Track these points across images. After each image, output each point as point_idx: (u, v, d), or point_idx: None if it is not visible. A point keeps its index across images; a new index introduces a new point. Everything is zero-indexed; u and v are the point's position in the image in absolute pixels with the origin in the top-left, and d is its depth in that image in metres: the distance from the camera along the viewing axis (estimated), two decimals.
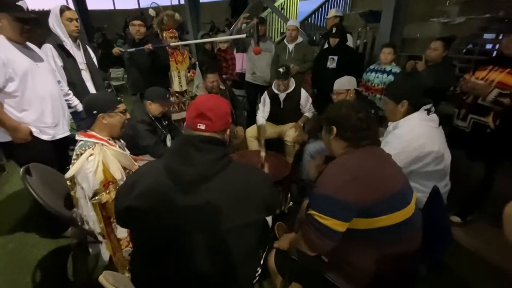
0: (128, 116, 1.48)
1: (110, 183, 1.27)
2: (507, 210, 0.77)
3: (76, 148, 1.29)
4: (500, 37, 3.15)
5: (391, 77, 2.56)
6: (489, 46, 3.79)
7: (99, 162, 1.24)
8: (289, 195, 2.08)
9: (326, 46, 3.10)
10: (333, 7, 5.99)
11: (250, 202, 0.86)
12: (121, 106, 1.43)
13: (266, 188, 0.93)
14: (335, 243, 0.93)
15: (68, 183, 1.30)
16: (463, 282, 1.64)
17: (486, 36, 3.74)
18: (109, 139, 1.39)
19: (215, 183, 0.83)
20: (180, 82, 2.91)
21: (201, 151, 0.85)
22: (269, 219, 1.67)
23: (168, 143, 2.29)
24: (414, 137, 1.38)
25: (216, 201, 0.82)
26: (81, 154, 1.24)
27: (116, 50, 2.75)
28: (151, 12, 2.76)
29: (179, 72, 2.89)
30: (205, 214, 0.81)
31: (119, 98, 1.46)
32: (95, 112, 1.34)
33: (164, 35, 2.78)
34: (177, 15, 2.76)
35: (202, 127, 0.87)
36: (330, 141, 1.11)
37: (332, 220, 0.90)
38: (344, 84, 2.29)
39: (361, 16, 4.65)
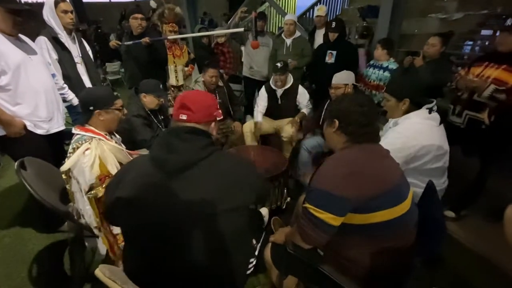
0: (125, 112, 1.47)
1: (106, 177, 1.26)
2: (509, 212, 0.77)
3: (72, 142, 1.27)
4: (498, 34, 3.16)
5: (387, 74, 2.55)
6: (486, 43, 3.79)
7: (95, 156, 1.23)
8: (285, 190, 2.09)
9: (320, 43, 3.10)
10: (332, 2, 5.94)
11: (235, 186, 0.88)
12: (118, 102, 1.40)
13: (251, 173, 0.96)
14: (329, 237, 0.94)
15: (64, 176, 1.29)
16: (457, 275, 1.67)
17: (484, 32, 3.74)
18: (106, 134, 1.37)
19: (199, 169, 0.85)
20: (176, 77, 2.89)
21: (184, 140, 0.87)
22: (265, 213, 1.68)
23: None
24: (413, 135, 1.38)
25: (201, 187, 0.84)
26: (77, 148, 1.23)
27: (113, 43, 2.72)
28: (152, 4, 2.74)
29: (176, 66, 2.86)
30: (191, 200, 0.82)
31: (116, 94, 1.44)
32: (91, 108, 1.31)
33: (164, 28, 2.76)
34: (178, 9, 2.74)
35: (184, 117, 0.92)
36: (331, 134, 1.10)
37: (326, 214, 0.90)
38: (343, 78, 2.28)
39: (359, 11, 4.63)
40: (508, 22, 1.74)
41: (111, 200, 0.89)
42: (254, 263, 1.13)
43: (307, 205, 0.96)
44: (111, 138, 1.42)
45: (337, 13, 6.13)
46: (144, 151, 1.97)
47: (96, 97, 1.35)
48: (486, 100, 1.74)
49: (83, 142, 1.25)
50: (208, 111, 0.95)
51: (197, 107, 0.92)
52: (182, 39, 3.01)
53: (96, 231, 1.33)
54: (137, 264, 0.92)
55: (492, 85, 1.71)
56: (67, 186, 1.31)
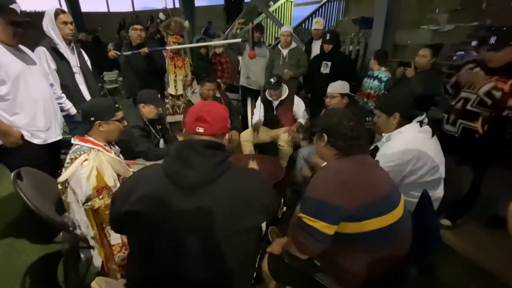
0: (125, 123, 1.47)
1: (104, 188, 1.25)
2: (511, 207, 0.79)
3: (70, 152, 1.27)
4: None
5: (376, 82, 2.62)
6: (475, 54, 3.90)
7: (93, 167, 1.22)
8: (282, 199, 2.08)
9: (317, 53, 3.17)
10: (327, 13, 6.09)
11: (249, 206, 0.87)
12: (119, 114, 1.41)
13: (264, 192, 0.95)
14: (324, 246, 0.95)
15: (59, 187, 1.28)
16: (453, 283, 1.67)
17: (474, 43, 3.85)
18: (105, 145, 1.38)
19: (215, 187, 0.84)
20: (175, 86, 2.93)
21: (201, 155, 0.85)
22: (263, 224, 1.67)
23: (161, 147, 2.28)
24: (407, 148, 1.40)
25: (216, 206, 0.83)
26: (76, 158, 1.23)
27: (112, 53, 2.75)
28: (161, 16, 2.87)
29: (176, 76, 2.91)
30: (205, 218, 0.82)
31: (117, 105, 1.44)
32: (92, 118, 1.32)
33: (168, 39, 2.84)
34: (186, 23, 2.84)
35: (201, 130, 0.89)
36: (320, 147, 1.14)
37: (320, 222, 0.92)
38: (338, 88, 2.31)
39: (354, 23, 4.76)
40: (492, 40, 1.78)
41: (119, 212, 0.86)
42: (254, 275, 1.13)
43: (301, 214, 0.97)
44: (111, 149, 1.43)
45: (332, 24, 6.27)
46: (141, 161, 1.98)
47: (98, 107, 1.36)
48: (483, 95, 1.72)
49: (82, 153, 1.25)
50: (223, 123, 0.94)
51: (214, 119, 0.90)
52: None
53: (92, 242, 1.32)
54: (142, 277, 0.90)
55: (492, 82, 1.70)
56: (63, 197, 1.31)
